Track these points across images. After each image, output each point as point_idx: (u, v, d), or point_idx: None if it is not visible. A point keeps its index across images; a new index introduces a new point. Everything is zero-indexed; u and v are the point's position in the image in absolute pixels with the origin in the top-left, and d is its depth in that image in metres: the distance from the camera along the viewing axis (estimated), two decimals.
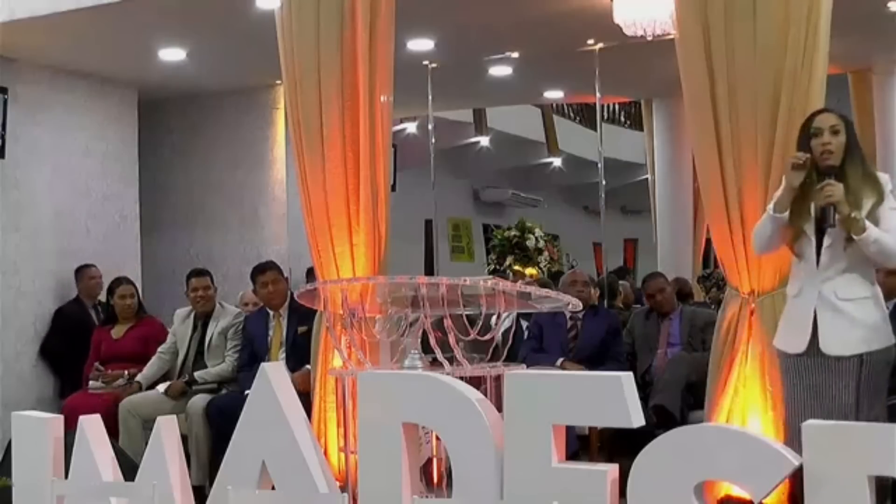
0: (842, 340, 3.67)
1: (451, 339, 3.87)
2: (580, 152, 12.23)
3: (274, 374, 3.41)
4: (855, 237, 3.60)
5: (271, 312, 6.00)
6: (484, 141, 12.09)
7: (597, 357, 5.77)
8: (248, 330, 6.07)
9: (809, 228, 3.73)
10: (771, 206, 3.78)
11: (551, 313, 5.74)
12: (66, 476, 3.68)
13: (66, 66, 7.59)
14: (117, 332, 6.53)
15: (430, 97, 8.40)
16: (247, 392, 3.76)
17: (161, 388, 6.01)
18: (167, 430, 3.58)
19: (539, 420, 2.88)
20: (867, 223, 3.59)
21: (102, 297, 7.47)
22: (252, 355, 5.90)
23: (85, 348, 6.69)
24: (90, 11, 6.21)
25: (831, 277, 3.69)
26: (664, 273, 6.57)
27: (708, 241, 7.68)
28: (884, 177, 3.76)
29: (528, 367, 4.64)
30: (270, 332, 5.97)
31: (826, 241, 3.69)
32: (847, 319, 3.67)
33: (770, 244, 3.85)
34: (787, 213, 3.73)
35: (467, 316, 4.03)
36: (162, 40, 7.03)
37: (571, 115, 12.99)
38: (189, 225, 8.77)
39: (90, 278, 7.44)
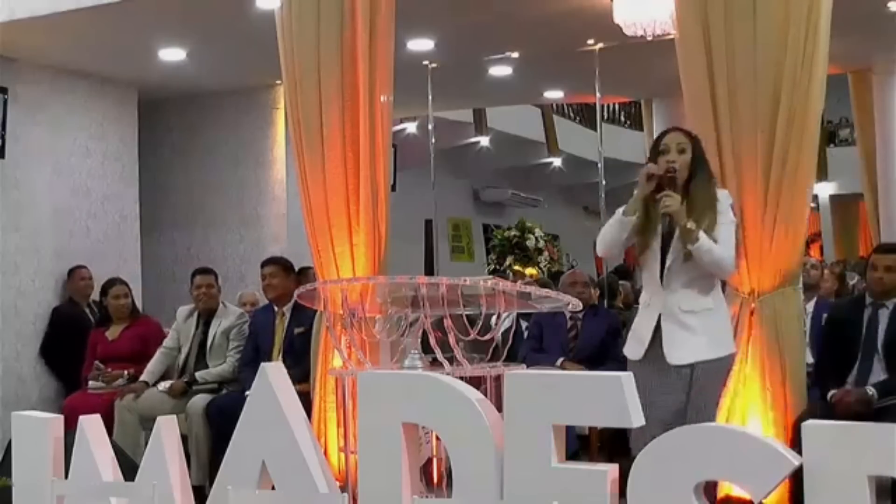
0: (680, 349, 3.83)
1: (451, 339, 3.87)
2: (580, 152, 12.24)
3: (274, 374, 3.41)
4: (689, 247, 3.76)
5: (276, 310, 6.01)
6: (484, 141, 12.10)
7: (597, 357, 5.77)
8: (254, 326, 6.08)
9: (656, 244, 3.89)
10: (620, 209, 3.93)
11: (551, 313, 5.74)
12: (66, 476, 3.68)
13: (66, 66, 7.60)
14: (112, 332, 6.53)
15: (430, 97, 8.41)
16: (247, 392, 3.76)
17: (161, 386, 6.01)
18: (167, 430, 3.58)
19: (539, 420, 2.88)
20: (701, 234, 3.74)
21: (96, 296, 7.49)
22: (255, 351, 5.91)
23: (82, 348, 6.70)
24: (90, 11, 6.21)
25: (675, 291, 3.86)
26: None
27: None
28: (723, 193, 3.93)
29: (528, 367, 4.64)
30: (274, 330, 5.98)
31: (669, 259, 3.86)
32: (688, 330, 3.83)
33: (612, 248, 3.99)
34: (633, 218, 3.87)
35: (467, 316, 4.03)
36: (162, 40, 7.03)
37: (571, 115, 13.01)
38: (189, 225, 8.77)
39: (80, 279, 7.47)
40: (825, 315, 5.26)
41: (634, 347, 3.98)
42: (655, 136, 4.04)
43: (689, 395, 3.81)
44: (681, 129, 3.98)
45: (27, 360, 7.32)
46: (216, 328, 6.14)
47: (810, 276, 6.02)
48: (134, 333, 6.49)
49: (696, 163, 3.88)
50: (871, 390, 4.41)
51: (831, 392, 4.50)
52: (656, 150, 3.90)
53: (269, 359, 5.68)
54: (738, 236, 3.88)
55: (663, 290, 3.87)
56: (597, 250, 4.09)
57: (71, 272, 7.51)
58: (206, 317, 6.21)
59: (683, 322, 3.83)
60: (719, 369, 3.89)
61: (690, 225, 3.75)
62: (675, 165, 3.82)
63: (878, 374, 4.51)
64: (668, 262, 3.86)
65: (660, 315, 3.87)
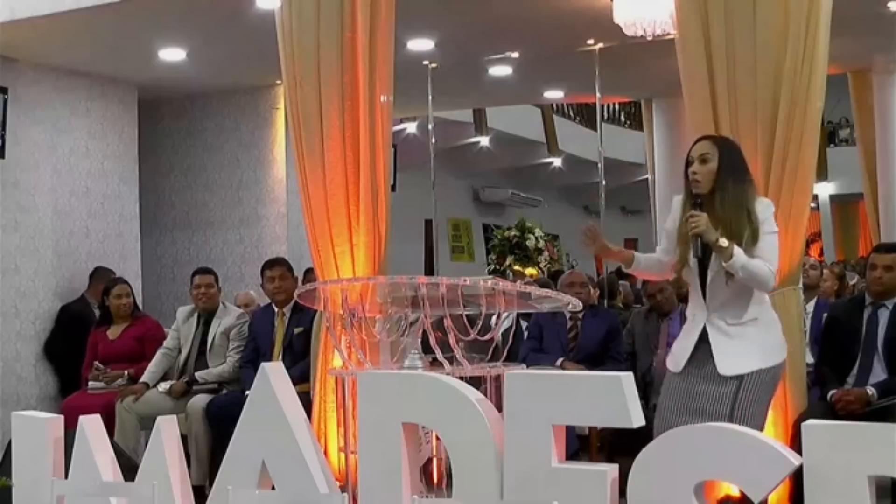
0: (730, 359, 3.72)
1: (451, 339, 3.87)
2: (580, 152, 12.25)
3: (274, 374, 3.41)
4: (724, 264, 3.66)
5: (276, 310, 6.01)
6: (484, 141, 12.10)
7: (597, 357, 5.77)
8: (254, 326, 6.08)
9: (694, 261, 3.79)
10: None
11: (551, 313, 5.74)
12: (66, 476, 3.68)
13: (66, 66, 7.60)
14: (113, 332, 6.52)
15: (430, 97, 8.41)
16: (247, 392, 3.76)
17: (162, 387, 6.00)
18: (167, 430, 3.58)
19: (539, 420, 2.88)
20: (736, 250, 3.63)
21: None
22: (255, 352, 5.92)
23: (85, 347, 6.70)
24: (90, 11, 6.21)
25: (717, 309, 3.77)
26: None
27: None
28: (763, 202, 3.78)
29: (528, 367, 4.64)
30: (274, 330, 5.98)
31: (709, 277, 3.77)
32: (736, 340, 3.74)
33: (651, 276, 4.18)
34: (636, 265, 3.99)
35: (467, 316, 4.03)
36: (162, 40, 7.03)
37: (571, 115, 13.01)
38: (189, 225, 8.78)
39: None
40: (825, 315, 5.25)
41: (676, 360, 3.86)
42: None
43: (733, 406, 3.69)
44: (708, 138, 3.86)
45: (27, 360, 7.33)
46: (216, 328, 6.14)
47: (810, 277, 6.02)
48: (135, 333, 6.48)
49: (723, 171, 3.72)
50: (871, 390, 4.41)
51: (831, 392, 4.50)
52: (686, 162, 3.81)
53: (269, 359, 5.68)
54: (778, 245, 3.75)
55: (706, 306, 3.78)
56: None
57: (97, 272, 7.47)
58: (206, 317, 6.21)
59: (730, 333, 3.73)
60: (768, 379, 3.76)
61: (722, 242, 3.62)
62: (697, 178, 3.72)
63: (878, 373, 4.51)
64: (708, 279, 3.77)
65: (704, 327, 3.77)
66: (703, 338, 3.78)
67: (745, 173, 3.80)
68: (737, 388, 3.70)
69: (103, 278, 7.35)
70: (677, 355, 3.86)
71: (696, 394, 3.75)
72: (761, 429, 3.74)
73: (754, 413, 3.73)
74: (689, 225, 3.69)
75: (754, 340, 3.74)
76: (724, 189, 3.72)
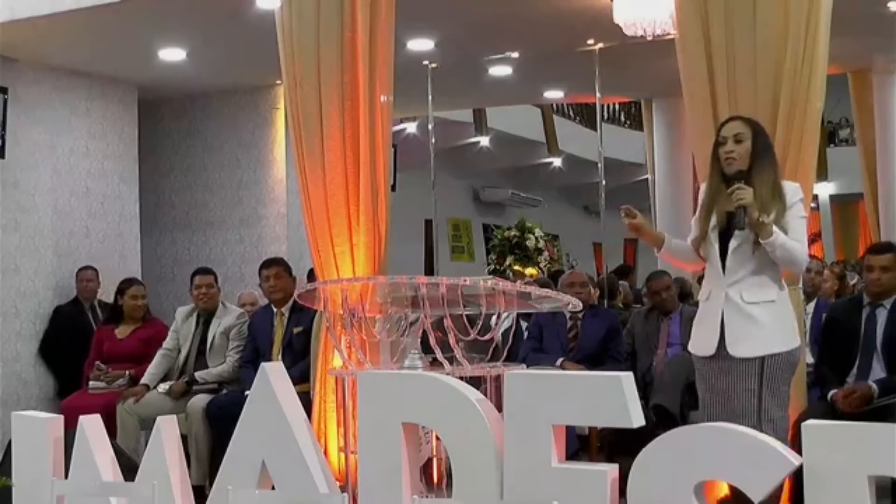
0: (746, 342, 3.76)
1: (451, 339, 3.87)
2: (580, 152, 12.25)
3: (274, 374, 3.41)
4: (762, 241, 3.69)
5: (275, 310, 6.01)
6: (484, 141, 12.10)
7: (597, 357, 5.77)
8: (253, 326, 6.08)
9: (713, 234, 3.84)
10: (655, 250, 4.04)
11: (551, 313, 5.74)
12: (66, 476, 3.68)
13: (66, 66, 7.60)
14: (122, 331, 6.53)
15: (430, 97, 8.41)
16: (247, 392, 3.76)
17: (162, 388, 6.00)
18: (167, 430, 3.58)
19: (539, 420, 2.88)
20: (774, 228, 3.68)
21: (104, 297, 7.50)
22: (255, 352, 5.92)
23: (81, 348, 6.70)
24: (90, 11, 6.21)
25: (737, 281, 3.79)
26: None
27: None
28: (792, 186, 3.84)
29: (528, 367, 4.64)
30: (273, 330, 5.98)
31: (732, 245, 3.79)
32: (751, 322, 3.76)
33: (677, 262, 4.15)
34: (667, 246, 4.02)
35: (467, 316, 4.03)
36: (162, 40, 7.03)
37: (571, 115, 13.00)
38: (189, 225, 8.78)
39: (83, 280, 7.47)
40: (825, 315, 5.26)
41: (702, 344, 3.88)
42: (720, 123, 3.97)
43: (760, 390, 3.72)
44: (741, 118, 3.89)
45: (27, 360, 7.33)
46: (216, 328, 6.14)
47: (813, 283, 5.99)
48: (143, 335, 6.48)
49: (757, 152, 3.79)
50: (873, 386, 4.43)
51: (832, 392, 4.51)
52: (717, 143, 3.85)
53: (269, 359, 5.68)
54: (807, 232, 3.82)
55: (724, 281, 3.79)
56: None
57: (78, 272, 7.53)
58: (205, 317, 6.21)
59: (749, 314, 3.75)
60: (789, 363, 3.79)
61: (763, 218, 3.66)
62: (733, 156, 3.76)
63: (878, 373, 4.53)
64: (729, 250, 3.79)
65: (723, 308, 3.79)
66: (722, 319, 3.80)
67: (774, 155, 3.86)
68: (759, 369, 3.72)
69: (81, 277, 7.47)
70: (703, 340, 3.88)
71: (723, 377, 3.80)
72: (787, 413, 3.82)
73: (782, 394, 3.76)
74: (736, 196, 3.70)
75: (768, 324, 3.76)
76: (760, 168, 3.77)
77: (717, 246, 3.84)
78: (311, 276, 6.82)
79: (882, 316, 4.62)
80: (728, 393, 3.79)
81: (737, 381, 3.77)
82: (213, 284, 6.28)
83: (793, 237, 3.72)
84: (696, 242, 3.93)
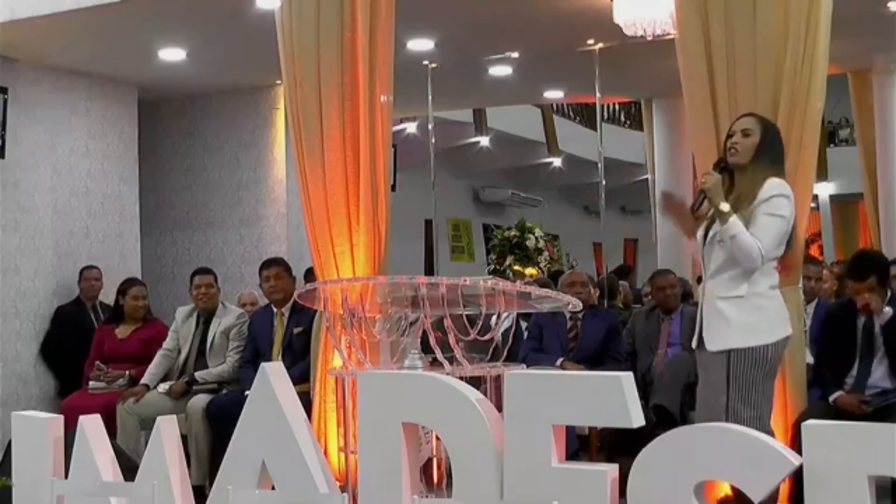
0: (714, 337, 3.84)
1: (451, 339, 3.87)
2: (580, 152, 12.24)
3: (274, 374, 3.41)
4: (719, 226, 3.77)
5: (275, 310, 6.01)
6: (484, 141, 12.09)
7: (597, 357, 5.77)
8: (253, 326, 6.08)
9: (700, 231, 3.94)
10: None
11: (551, 313, 5.74)
12: (66, 476, 3.68)
13: (66, 66, 7.60)
14: (123, 331, 6.53)
15: (430, 97, 8.40)
16: (247, 392, 3.76)
17: (162, 388, 6.00)
18: (167, 430, 3.58)
19: (539, 420, 2.88)
20: (733, 218, 3.73)
21: (103, 297, 7.50)
22: (255, 352, 5.92)
23: (82, 348, 6.70)
24: (90, 11, 6.21)
25: (713, 274, 3.88)
26: None
27: None
28: (776, 181, 3.81)
29: (528, 367, 4.64)
30: (273, 330, 5.98)
31: (708, 237, 3.88)
32: (718, 316, 3.83)
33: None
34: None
35: (467, 316, 4.03)
36: (162, 40, 7.03)
37: (571, 115, 13.00)
38: (189, 225, 8.78)
39: (87, 279, 7.48)
40: (823, 316, 5.27)
41: (691, 337, 4.04)
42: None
43: (728, 387, 3.78)
44: (755, 115, 3.95)
45: (27, 360, 7.33)
46: (216, 328, 6.14)
47: (812, 289, 5.95)
48: (144, 335, 6.48)
49: (763, 148, 3.84)
50: (869, 392, 4.44)
51: (833, 395, 4.52)
52: (728, 135, 3.93)
53: (269, 359, 5.68)
54: (782, 231, 3.80)
55: (706, 274, 3.91)
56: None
57: (81, 272, 7.53)
58: (205, 317, 6.21)
59: (717, 308, 3.83)
60: (756, 360, 3.79)
61: (723, 207, 3.75)
62: (737, 147, 3.83)
63: (877, 374, 4.53)
64: (705, 247, 3.89)
65: (702, 302, 3.92)
66: (701, 312, 3.92)
67: (777, 157, 3.89)
68: (727, 363, 3.79)
69: (84, 276, 7.47)
70: (694, 333, 3.99)
71: (702, 369, 3.92)
72: (762, 409, 3.81)
73: (748, 391, 3.78)
74: (701, 179, 3.84)
75: (732, 319, 3.80)
76: (758, 164, 3.83)
77: (701, 241, 3.93)
78: (308, 275, 6.84)
79: (878, 320, 4.62)
80: (704, 385, 3.89)
81: (710, 374, 3.85)
82: (213, 284, 6.28)
83: (753, 231, 3.73)
84: (688, 233, 4.03)
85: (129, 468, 3.77)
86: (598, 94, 8.34)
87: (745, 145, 3.83)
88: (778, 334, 3.84)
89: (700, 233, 3.94)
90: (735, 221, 3.73)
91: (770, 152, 3.86)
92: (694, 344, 3.97)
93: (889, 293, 4.68)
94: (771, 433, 3.68)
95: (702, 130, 4.34)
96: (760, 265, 3.76)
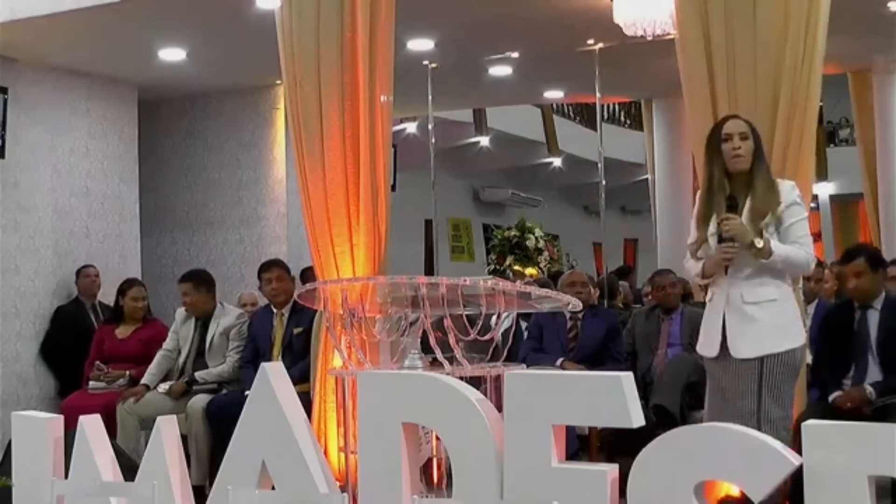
0: (744, 343, 3.76)
1: (451, 339, 3.87)
2: (580, 152, 12.24)
3: (274, 374, 3.41)
4: (764, 261, 3.70)
5: (275, 311, 6.01)
6: (484, 141, 12.09)
7: (597, 357, 5.77)
8: (253, 327, 6.08)
9: (713, 238, 3.83)
10: (699, 269, 3.90)
11: (551, 313, 5.74)
12: (66, 476, 3.68)
13: (66, 66, 7.60)
14: (122, 332, 6.53)
15: (430, 97, 8.41)
16: (247, 392, 3.76)
17: (162, 388, 6.00)
18: (167, 430, 3.58)
19: (539, 420, 2.88)
20: (772, 245, 3.68)
21: (103, 297, 7.50)
22: (255, 352, 5.92)
23: (82, 348, 6.70)
24: (90, 11, 6.21)
25: (738, 282, 3.79)
26: None
27: None
28: (787, 184, 3.84)
29: (528, 367, 4.64)
30: (273, 331, 5.98)
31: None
32: (749, 322, 3.76)
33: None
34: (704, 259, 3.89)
35: (467, 316, 4.03)
36: (162, 40, 7.03)
37: (571, 115, 13.00)
38: (189, 225, 8.78)
39: (86, 276, 7.49)
40: (821, 317, 5.28)
41: (708, 345, 3.90)
42: (716, 124, 3.96)
43: (760, 390, 3.72)
44: (739, 117, 3.92)
45: (27, 360, 7.33)
46: (214, 329, 6.13)
47: (812, 290, 5.95)
48: (143, 336, 6.48)
49: (758, 150, 3.83)
50: (869, 389, 4.44)
51: (832, 395, 4.52)
52: (718, 139, 3.84)
53: (269, 359, 5.67)
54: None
55: (725, 282, 3.81)
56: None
57: (79, 271, 7.54)
58: (203, 318, 6.21)
59: (747, 314, 3.76)
60: (789, 363, 3.77)
61: (758, 243, 3.67)
62: (741, 152, 3.77)
63: (875, 373, 4.54)
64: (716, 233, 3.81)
65: (724, 310, 3.81)
66: (724, 320, 3.82)
67: (765, 155, 3.89)
68: (759, 368, 3.72)
69: (82, 274, 7.48)
70: (708, 341, 3.89)
71: (726, 377, 3.81)
72: (790, 409, 3.80)
73: (780, 394, 3.74)
74: (724, 229, 3.72)
75: (769, 322, 3.75)
76: (758, 168, 3.81)
77: (714, 241, 3.84)
78: (305, 274, 6.83)
79: (874, 318, 4.64)
80: (730, 393, 3.79)
81: (738, 381, 3.77)
82: (190, 292, 6.19)
83: (794, 241, 3.73)
84: (694, 247, 3.92)
85: (129, 468, 3.77)
86: (598, 94, 8.35)
87: (747, 149, 3.80)
88: (803, 338, 3.86)
89: (713, 244, 3.82)
90: (777, 246, 3.68)
91: (761, 152, 3.86)
92: (713, 352, 3.85)
93: (885, 294, 4.68)
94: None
95: (702, 130, 4.33)
96: (812, 269, 3.77)
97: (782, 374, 3.76)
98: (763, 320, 3.75)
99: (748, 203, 3.79)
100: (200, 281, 6.20)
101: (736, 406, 3.75)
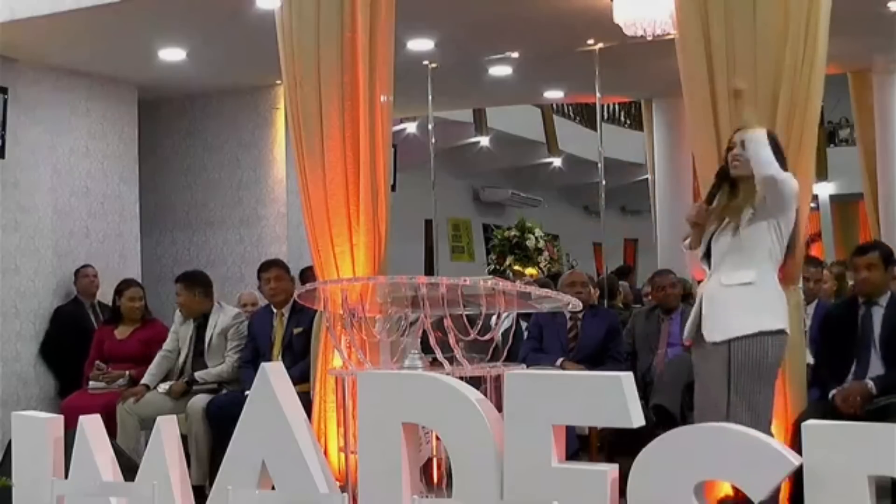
0: (714, 326, 3.82)
1: (451, 339, 3.87)
2: (580, 152, 12.23)
3: (274, 374, 3.41)
4: (744, 136, 3.79)
5: (275, 311, 6.01)
6: (484, 141, 12.09)
7: (597, 357, 5.77)
8: (253, 327, 6.08)
9: (708, 230, 3.96)
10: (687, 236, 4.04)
11: (551, 313, 5.74)
12: (66, 476, 3.68)
13: (66, 66, 7.60)
14: (122, 332, 6.54)
15: (430, 97, 8.41)
16: (247, 392, 3.76)
17: (162, 388, 6.01)
18: (167, 430, 3.58)
19: (539, 420, 2.88)
20: (760, 130, 3.79)
21: (102, 297, 7.50)
22: (254, 352, 5.92)
23: (82, 348, 6.70)
24: (90, 11, 6.21)
25: (719, 266, 3.88)
26: None
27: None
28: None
29: (528, 367, 4.64)
30: (273, 331, 5.98)
31: (716, 236, 3.91)
32: (720, 304, 3.82)
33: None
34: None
35: (467, 316, 4.03)
36: (162, 40, 7.03)
37: (571, 115, 12.99)
38: (189, 225, 8.78)
39: (84, 276, 7.49)
40: (822, 316, 5.28)
41: (687, 330, 4.00)
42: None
43: (729, 375, 3.75)
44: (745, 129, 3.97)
45: (27, 360, 7.33)
46: (213, 329, 6.13)
47: (811, 290, 5.95)
48: (143, 336, 6.49)
49: None
50: (869, 383, 4.44)
51: (832, 392, 4.52)
52: (725, 158, 3.95)
53: (269, 359, 5.67)
54: (790, 227, 3.87)
55: (711, 270, 3.92)
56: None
57: (77, 271, 7.54)
58: (200, 319, 6.20)
59: (719, 298, 3.82)
60: (756, 355, 3.76)
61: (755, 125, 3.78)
62: (739, 159, 3.83)
63: (877, 369, 4.54)
64: (713, 240, 3.91)
65: (702, 294, 3.91)
66: (701, 304, 3.91)
67: (783, 163, 3.87)
68: (727, 355, 3.75)
69: (80, 274, 7.49)
70: (688, 327, 3.98)
71: (702, 363, 3.89)
72: (763, 404, 3.79)
73: (751, 384, 3.74)
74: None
75: (740, 304, 3.79)
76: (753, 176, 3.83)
77: (705, 244, 3.97)
78: (305, 274, 6.83)
79: (878, 314, 4.65)
80: (705, 379, 3.86)
81: (709, 365, 3.84)
82: (182, 293, 6.18)
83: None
84: (693, 243, 4.02)
85: (129, 468, 3.77)
86: (598, 94, 8.34)
87: (745, 158, 3.83)
88: (778, 325, 3.83)
89: (708, 233, 3.96)
90: (763, 134, 3.75)
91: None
92: (686, 334, 3.95)
93: (890, 292, 4.69)
94: None
95: (702, 130, 4.34)
96: (776, 175, 3.74)
97: (750, 368, 3.74)
98: (733, 302, 3.80)
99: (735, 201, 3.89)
100: (194, 282, 6.20)
101: (711, 393, 3.80)
